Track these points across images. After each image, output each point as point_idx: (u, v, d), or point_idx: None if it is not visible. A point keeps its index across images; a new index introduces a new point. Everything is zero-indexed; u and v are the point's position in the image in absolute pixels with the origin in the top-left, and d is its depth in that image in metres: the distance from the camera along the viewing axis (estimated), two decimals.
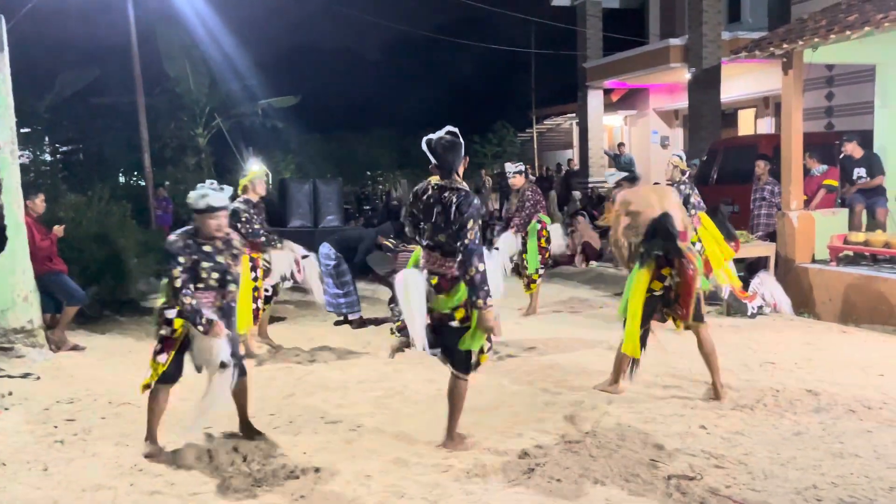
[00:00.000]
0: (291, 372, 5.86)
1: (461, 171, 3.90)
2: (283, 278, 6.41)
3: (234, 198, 6.18)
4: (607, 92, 17.92)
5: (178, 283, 3.93)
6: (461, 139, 3.89)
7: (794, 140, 7.97)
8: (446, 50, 25.02)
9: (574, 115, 19.86)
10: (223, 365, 4.02)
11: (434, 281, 3.88)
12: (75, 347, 6.58)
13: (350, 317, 7.59)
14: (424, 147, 3.87)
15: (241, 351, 4.41)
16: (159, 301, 4.13)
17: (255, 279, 6.12)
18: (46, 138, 17.55)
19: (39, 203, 6.90)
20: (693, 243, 5.60)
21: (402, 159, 24.13)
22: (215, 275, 4.07)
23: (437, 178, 3.88)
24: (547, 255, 7.89)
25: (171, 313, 4.03)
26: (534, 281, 7.78)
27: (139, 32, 11.80)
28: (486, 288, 3.69)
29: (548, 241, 7.84)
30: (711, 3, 13.28)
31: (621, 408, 4.69)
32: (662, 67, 14.47)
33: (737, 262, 6.96)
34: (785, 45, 7.67)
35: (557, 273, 10.67)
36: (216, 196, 4.03)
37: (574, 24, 17.24)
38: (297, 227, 11.15)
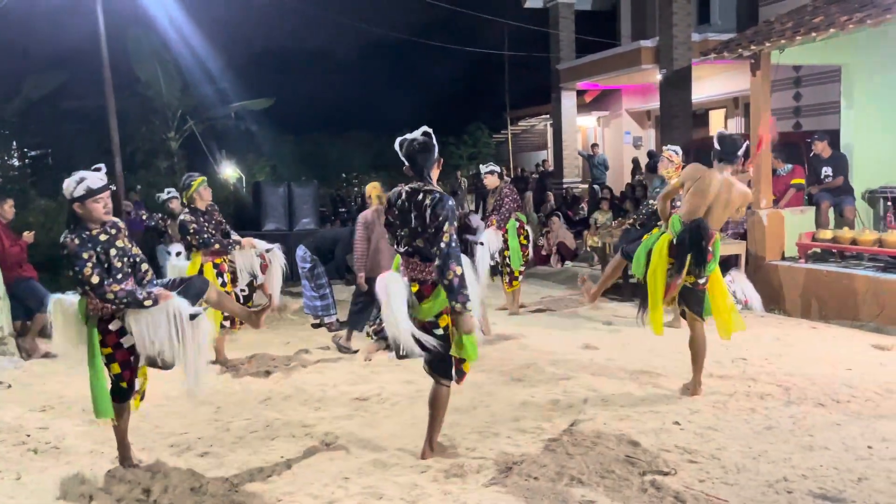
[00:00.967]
0: (268, 376, 5.83)
1: (435, 173, 3.80)
2: (253, 276, 6.30)
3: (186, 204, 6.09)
4: (581, 93, 18.06)
5: (95, 279, 3.67)
6: (435, 141, 3.81)
7: (763, 139, 8.11)
8: (420, 52, 25.03)
9: (548, 116, 19.99)
10: (193, 316, 3.81)
11: (415, 288, 3.77)
12: (47, 355, 6.47)
13: (326, 320, 7.57)
14: (397, 149, 3.79)
15: (212, 357, 4.34)
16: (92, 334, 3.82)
17: (224, 284, 6.05)
18: (14, 143, 17.29)
19: (8, 209, 6.81)
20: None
21: (377, 161, 24.13)
22: (126, 259, 3.86)
23: (410, 182, 3.78)
24: (527, 252, 7.97)
25: (114, 326, 3.79)
26: (516, 278, 7.85)
27: (108, 35, 11.63)
28: (464, 292, 3.61)
29: (527, 238, 7.94)
30: (681, 6, 13.44)
31: (597, 406, 4.74)
32: (634, 69, 14.61)
33: None
34: (753, 47, 7.81)
35: (533, 273, 10.73)
36: (94, 177, 3.79)
37: (547, 27, 17.35)
38: (271, 231, 11.08)
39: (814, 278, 7.31)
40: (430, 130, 3.80)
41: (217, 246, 6.04)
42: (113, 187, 12.97)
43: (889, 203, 8.01)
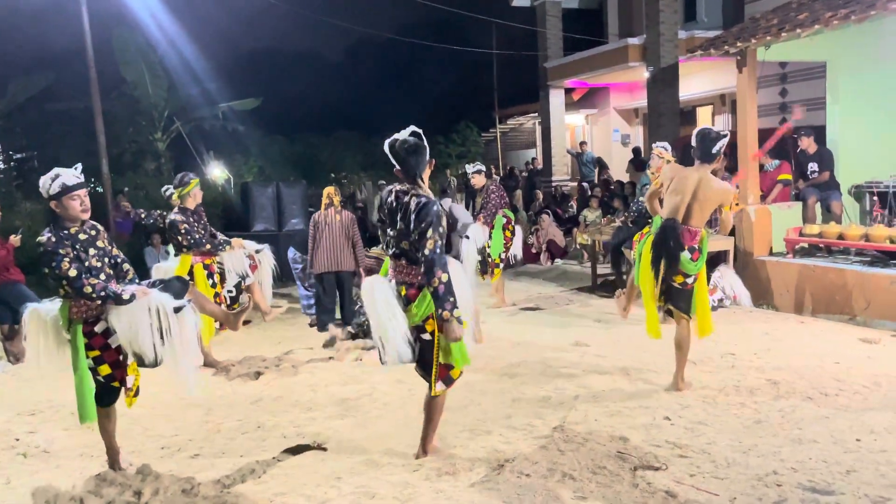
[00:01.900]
0: (258, 377, 5.82)
1: (426, 175, 3.67)
2: (242, 277, 6.30)
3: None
4: (569, 91, 18.10)
5: (72, 273, 3.61)
6: (425, 141, 3.70)
7: (750, 136, 8.16)
8: (409, 51, 25.10)
9: (536, 114, 20.01)
10: (178, 309, 3.74)
11: (403, 291, 3.67)
12: None
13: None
14: (387, 150, 3.68)
15: (202, 360, 4.30)
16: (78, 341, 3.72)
17: (214, 285, 6.03)
18: None
19: None
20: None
21: (366, 161, 24.11)
22: (107, 259, 3.82)
23: (401, 183, 3.69)
24: (509, 244, 8.00)
25: (99, 327, 3.72)
26: (497, 266, 7.88)
27: (94, 36, 11.55)
28: (451, 299, 3.50)
29: (513, 233, 7.99)
30: (668, 3, 13.48)
31: (588, 402, 4.76)
32: (621, 66, 14.66)
33: None
34: (739, 44, 7.86)
35: (523, 271, 10.76)
36: (69, 174, 3.76)
37: (534, 25, 17.38)
38: (260, 231, 11.05)
39: (801, 273, 7.37)
40: (420, 130, 3.70)
41: (208, 246, 6.02)
42: (100, 188, 12.84)
43: (875, 198, 8.07)
